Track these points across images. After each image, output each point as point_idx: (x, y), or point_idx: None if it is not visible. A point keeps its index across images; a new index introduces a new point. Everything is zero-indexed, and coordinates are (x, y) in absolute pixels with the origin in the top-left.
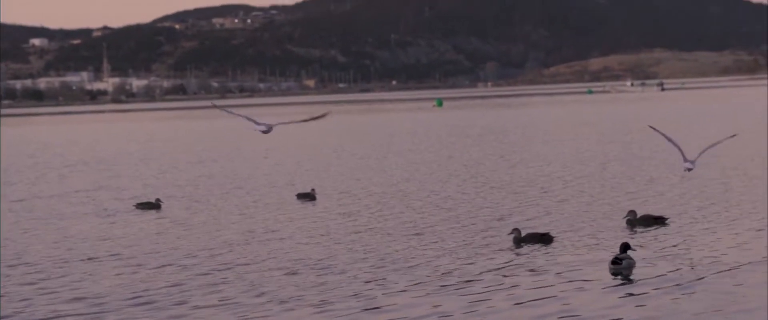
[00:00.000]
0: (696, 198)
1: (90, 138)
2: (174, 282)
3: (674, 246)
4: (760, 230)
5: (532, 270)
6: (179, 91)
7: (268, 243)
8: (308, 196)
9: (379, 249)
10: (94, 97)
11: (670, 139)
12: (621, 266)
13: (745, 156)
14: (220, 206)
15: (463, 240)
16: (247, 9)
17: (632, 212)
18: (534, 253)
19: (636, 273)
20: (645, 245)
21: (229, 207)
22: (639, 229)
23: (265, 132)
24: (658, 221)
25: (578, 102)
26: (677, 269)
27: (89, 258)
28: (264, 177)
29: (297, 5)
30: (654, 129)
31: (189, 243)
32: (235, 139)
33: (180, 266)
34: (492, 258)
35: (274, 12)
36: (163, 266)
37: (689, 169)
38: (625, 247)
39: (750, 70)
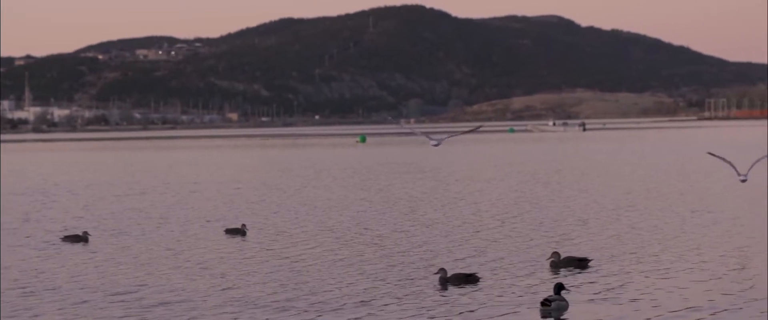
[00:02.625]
0: (622, 239)
1: (13, 168)
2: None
3: (607, 288)
4: (689, 271)
5: (457, 312)
6: (101, 122)
7: (197, 279)
8: (238, 231)
9: (307, 286)
10: (15, 125)
11: (724, 159)
12: (550, 307)
13: (673, 196)
14: (148, 240)
15: (390, 279)
16: (172, 41)
17: (556, 253)
18: (460, 294)
19: (568, 316)
20: (578, 286)
21: (158, 242)
22: (563, 271)
23: (435, 145)
24: (582, 263)
25: (501, 141)
26: (617, 313)
27: (24, 294)
28: (193, 211)
29: (221, 38)
30: (713, 154)
31: (118, 279)
32: (161, 171)
33: (111, 302)
34: (418, 299)
35: (198, 44)
36: (91, 301)
37: (744, 181)
38: (560, 288)
39: (670, 111)
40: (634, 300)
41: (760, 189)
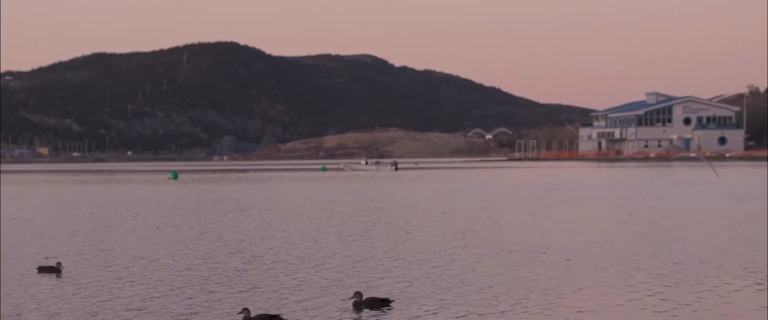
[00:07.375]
0: (433, 279)
1: None
2: None
3: None
4: (502, 313)
5: None
6: None
7: None
8: (52, 270)
9: None
10: None
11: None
12: None
13: (486, 236)
14: None
15: None
16: None
17: (358, 293)
18: None
19: None
20: None
21: None
22: (366, 311)
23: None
24: (384, 303)
25: (314, 179)
26: None
27: None
28: (3, 249)
29: (33, 72)
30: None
31: None
32: None
33: None
34: None
35: (8, 78)
36: None
37: (693, 157)
38: None
39: (482, 151)
40: None
41: (571, 224)
